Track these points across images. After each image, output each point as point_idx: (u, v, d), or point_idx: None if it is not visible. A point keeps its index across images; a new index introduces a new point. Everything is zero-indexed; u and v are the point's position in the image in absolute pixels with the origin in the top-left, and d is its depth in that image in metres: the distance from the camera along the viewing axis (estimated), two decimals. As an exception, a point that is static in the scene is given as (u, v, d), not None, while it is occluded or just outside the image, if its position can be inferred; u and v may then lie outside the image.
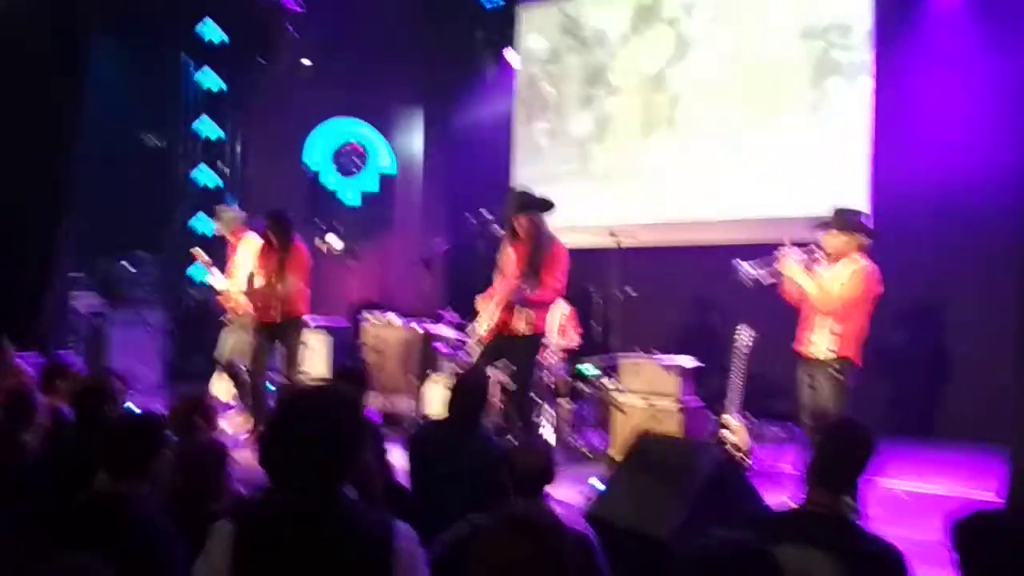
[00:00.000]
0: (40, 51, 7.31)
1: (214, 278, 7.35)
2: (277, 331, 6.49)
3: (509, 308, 5.58)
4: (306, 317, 7.26)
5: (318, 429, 2.07)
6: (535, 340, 5.68)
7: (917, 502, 5.24)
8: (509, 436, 5.33)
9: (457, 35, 10.00)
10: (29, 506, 2.97)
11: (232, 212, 7.57)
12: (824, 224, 4.95)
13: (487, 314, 5.72)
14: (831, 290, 4.78)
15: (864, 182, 7.35)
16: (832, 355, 4.74)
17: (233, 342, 6.91)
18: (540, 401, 6.36)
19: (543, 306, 5.66)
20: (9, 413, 3.77)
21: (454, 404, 3.88)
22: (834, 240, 4.86)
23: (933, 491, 5.47)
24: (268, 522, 2.07)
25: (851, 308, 4.73)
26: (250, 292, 6.61)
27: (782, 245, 5.05)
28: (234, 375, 6.86)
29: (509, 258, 5.72)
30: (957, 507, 2.32)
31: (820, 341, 4.81)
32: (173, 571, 2.52)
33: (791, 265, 4.93)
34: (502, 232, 7.06)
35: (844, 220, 4.91)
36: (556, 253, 5.59)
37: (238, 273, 7.02)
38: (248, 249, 6.97)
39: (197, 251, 7.71)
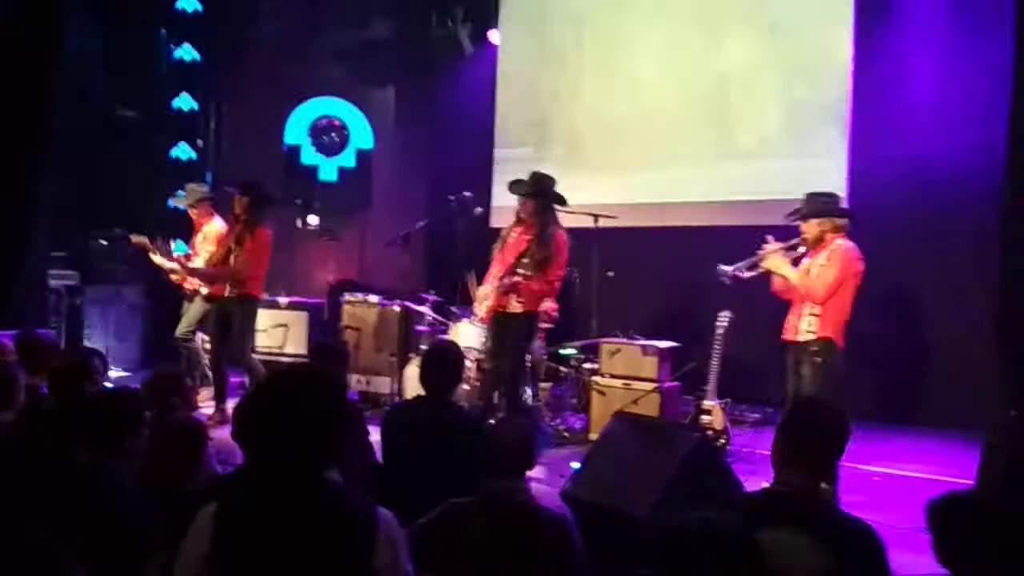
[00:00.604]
0: (15, 26, 7.19)
1: (157, 258, 7.13)
2: (227, 306, 6.44)
3: (504, 291, 5.67)
4: (282, 296, 7.26)
5: (307, 410, 2.06)
6: (528, 319, 5.71)
7: (890, 485, 5.30)
8: (490, 418, 5.34)
9: (438, 12, 9.92)
10: (5, 483, 2.95)
11: (199, 188, 7.46)
12: (796, 212, 4.96)
13: (485, 295, 5.82)
14: (815, 278, 4.76)
15: (842, 166, 7.39)
16: (812, 336, 4.72)
17: (188, 317, 6.95)
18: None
19: (537, 293, 5.68)
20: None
21: (425, 376, 3.84)
22: (811, 228, 4.84)
23: (907, 474, 5.54)
24: (252, 504, 2.05)
25: (833, 289, 4.71)
26: (208, 264, 6.61)
27: (763, 234, 5.00)
28: (187, 351, 6.91)
29: (511, 241, 5.75)
30: (930, 490, 2.36)
31: (802, 325, 4.79)
32: (150, 547, 2.52)
33: (775, 261, 4.90)
34: (478, 211, 7.10)
35: (816, 206, 4.88)
36: (558, 246, 5.62)
37: (200, 254, 6.99)
38: (212, 234, 6.92)
39: (134, 236, 7.34)
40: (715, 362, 5.72)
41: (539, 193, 5.71)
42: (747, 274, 5.05)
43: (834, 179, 7.12)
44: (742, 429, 6.01)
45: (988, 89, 6.76)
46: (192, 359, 6.86)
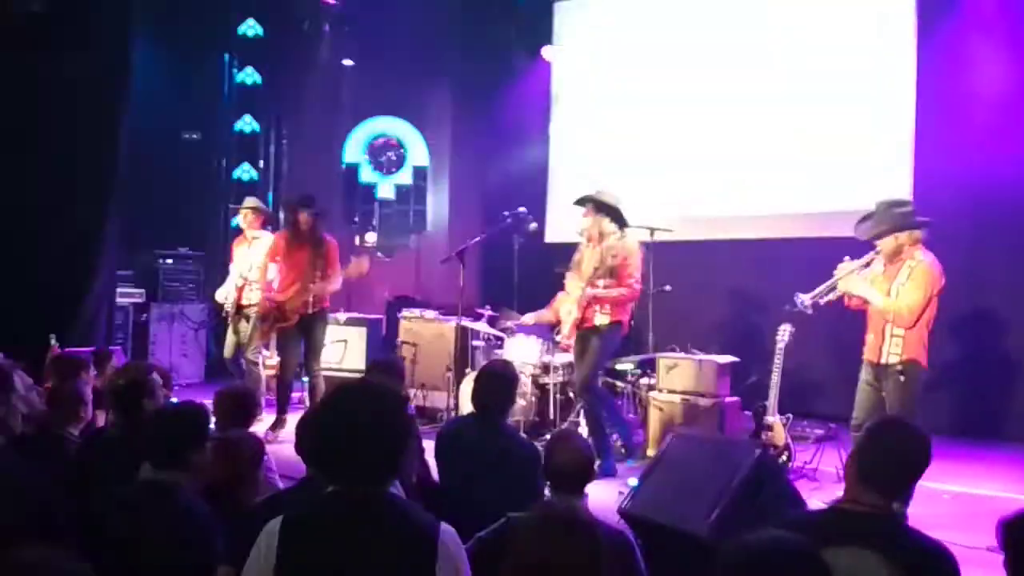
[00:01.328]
0: (84, 49, 7.43)
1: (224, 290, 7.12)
2: (305, 323, 6.52)
3: (587, 305, 5.70)
4: (338, 314, 7.29)
5: (373, 424, 2.07)
6: (612, 327, 5.71)
7: (961, 504, 5.13)
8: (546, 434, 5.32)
9: (494, 31, 10.00)
10: (73, 500, 3.02)
11: (254, 202, 7.40)
12: (867, 219, 4.81)
13: (566, 313, 5.86)
14: (899, 303, 4.58)
15: (907, 176, 7.22)
16: (896, 359, 4.59)
17: (254, 338, 6.88)
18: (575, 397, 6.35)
19: (618, 301, 5.68)
20: (55, 409, 3.85)
21: (478, 396, 3.86)
22: (888, 242, 4.67)
23: (978, 492, 5.36)
24: (317, 518, 2.07)
25: (920, 312, 4.55)
26: (283, 288, 6.60)
27: (840, 261, 4.83)
28: (240, 372, 6.82)
29: (584, 258, 5.79)
30: (1003, 508, 2.28)
31: (886, 347, 4.64)
32: (214, 560, 2.55)
33: (853, 283, 4.75)
34: (533, 227, 7.15)
35: (892, 220, 4.67)
36: (625, 250, 5.67)
37: (237, 269, 6.97)
38: (260, 248, 6.90)
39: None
40: (776, 376, 5.60)
41: (598, 202, 5.72)
42: (826, 299, 4.91)
43: (899, 189, 6.96)
44: (804, 445, 5.87)
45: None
46: (255, 380, 6.76)
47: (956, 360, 6.94)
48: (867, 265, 4.79)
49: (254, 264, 6.92)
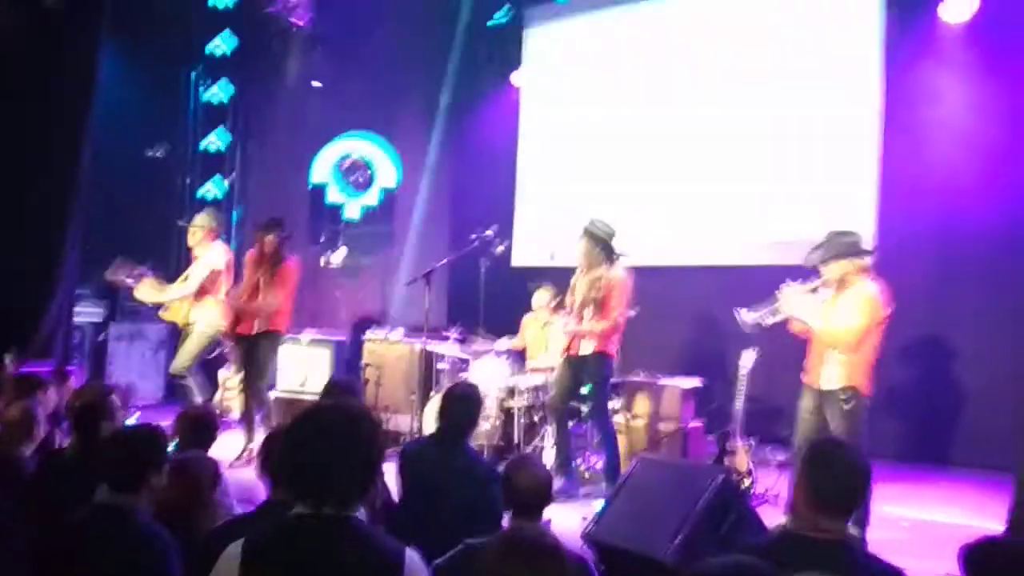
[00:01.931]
0: (51, 66, 7.36)
1: (142, 290, 6.85)
2: (252, 342, 6.44)
3: (570, 335, 5.81)
4: (304, 333, 7.21)
5: (352, 444, 2.05)
6: (602, 358, 5.74)
7: (920, 531, 5.18)
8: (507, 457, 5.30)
9: (464, 55, 10.04)
10: (29, 522, 2.95)
11: (206, 218, 7.08)
12: (817, 249, 4.86)
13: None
14: (838, 325, 4.64)
15: (871, 205, 7.33)
16: (839, 385, 4.63)
17: (185, 353, 6.72)
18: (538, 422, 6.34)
19: (601, 334, 5.72)
20: (9, 430, 3.77)
21: (443, 413, 3.86)
22: (834, 269, 4.73)
23: (937, 520, 5.41)
24: (280, 543, 2.03)
25: (861, 338, 4.60)
26: (232, 302, 6.51)
27: (783, 284, 4.89)
28: (185, 388, 6.65)
29: (578, 286, 5.85)
30: (962, 535, 2.30)
31: (828, 372, 4.67)
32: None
33: (793, 305, 4.80)
34: (499, 249, 7.19)
35: (838, 248, 4.75)
36: (610, 283, 5.70)
37: (188, 281, 6.78)
38: (213, 258, 6.77)
39: (119, 268, 6.87)
40: (739, 401, 5.64)
41: (589, 232, 5.78)
42: (769, 321, 4.95)
43: (862, 219, 7.07)
44: (767, 470, 5.91)
45: (1020, 129, 6.73)
46: (189, 397, 6.57)
47: (906, 386, 7.05)
48: (813, 291, 4.83)
49: (191, 275, 6.78)
